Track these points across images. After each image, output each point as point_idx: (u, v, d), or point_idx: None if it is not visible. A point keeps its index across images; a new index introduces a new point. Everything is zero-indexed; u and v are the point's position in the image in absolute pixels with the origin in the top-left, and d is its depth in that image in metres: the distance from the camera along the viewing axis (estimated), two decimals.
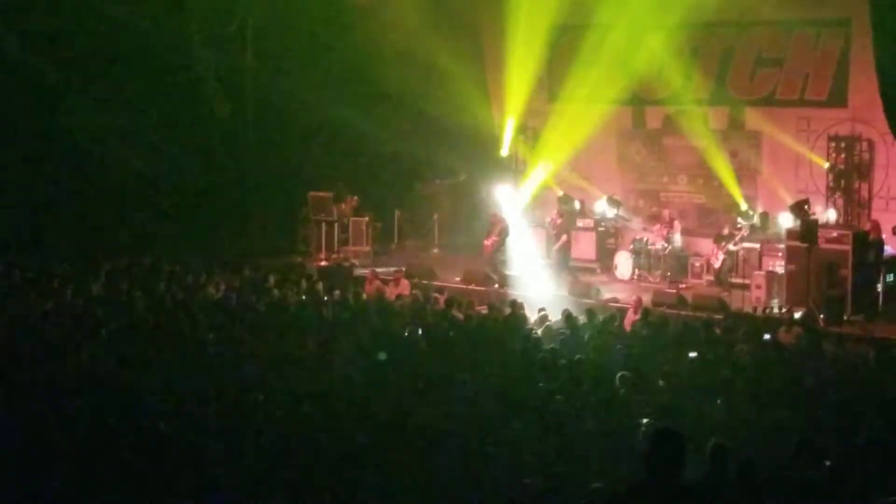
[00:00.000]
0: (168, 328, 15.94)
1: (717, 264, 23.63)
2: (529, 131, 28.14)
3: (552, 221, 25.54)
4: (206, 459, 9.59)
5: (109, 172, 25.99)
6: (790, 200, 22.96)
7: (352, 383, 12.73)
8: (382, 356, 13.26)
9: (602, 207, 26.22)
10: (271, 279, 21.40)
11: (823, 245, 20.79)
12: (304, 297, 19.73)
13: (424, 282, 23.36)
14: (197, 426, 10.63)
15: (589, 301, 21.87)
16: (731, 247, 23.44)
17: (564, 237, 25.18)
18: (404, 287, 22.08)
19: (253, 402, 11.71)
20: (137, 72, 26.10)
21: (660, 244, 24.72)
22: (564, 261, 25.02)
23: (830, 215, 23.18)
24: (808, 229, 20.76)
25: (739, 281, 22.88)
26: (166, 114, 26.42)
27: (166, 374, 12.78)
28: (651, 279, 24.53)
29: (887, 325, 20.18)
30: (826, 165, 23.88)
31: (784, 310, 20.69)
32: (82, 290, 18.82)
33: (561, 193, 26.98)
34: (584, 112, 26.41)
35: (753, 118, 25.19)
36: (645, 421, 10.89)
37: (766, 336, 17.25)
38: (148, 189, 26.38)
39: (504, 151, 28.12)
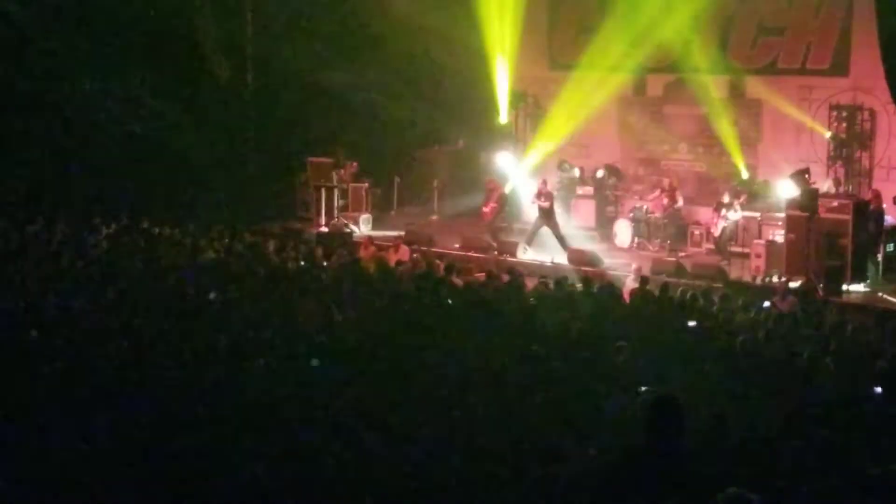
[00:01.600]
0: (168, 292, 15.92)
1: (716, 233, 23.59)
2: (530, 98, 28.10)
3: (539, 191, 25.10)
4: (207, 423, 9.60)
5: (108, 137, 25.94)
6: (791, 169, 22.92)
7: (349, 347, 12.73)
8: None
9: (602, 175, 26.18)
10: (271, 244, 21.38)
11: (824, 214, 20.76)
12: (302, 263, 19.71)
13: (423, 248, 23.35)
14: (198, 391, 10.63)
15: (588, 269, 21.85)
16: (730, 215, 23.38)
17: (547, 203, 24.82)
18: (404, 253, 22.07)
19: (253, 366, 11.72)
20: (136, 36, 26.01)
21: (659, 212, 24.69)
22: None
23: (827, 184, 23.15)
24: (808, 198, 20.73)
25: (739, 250, 22.88)
26: (165, 78, 26.34)
27: (166, 340, 12.76)
28: (650, 247, 24.51)
29: (887, 294, 20.19)
30: (828, 135, 23.82)
31: (783, 279, 20.67)
32: (81, 253, 18.78)
33: (561, 161, 26.97)
34: (585, 80, 26.33)
35: (754, 87, 25.11)
36: (643, 389, 10.89)
37: (766, 303, 17.25)
38: (147, 153, 26.31)
39: (503, 119, 28.08)
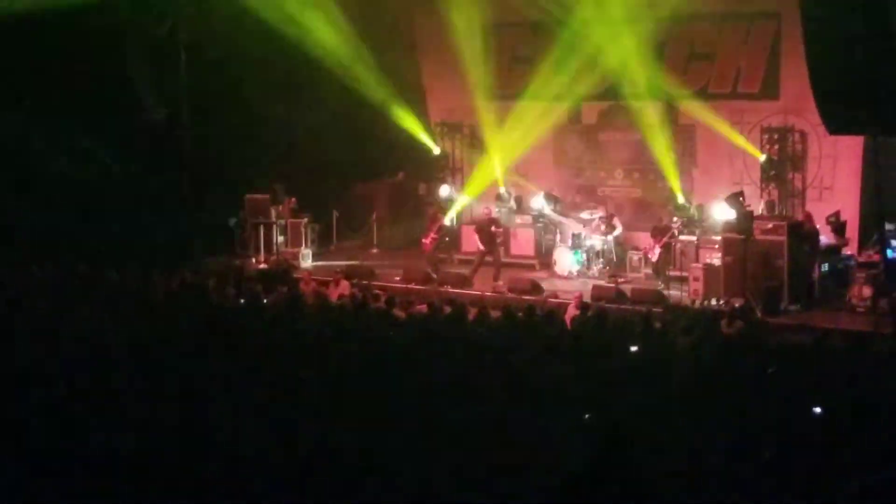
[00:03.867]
0: (109, 336, 15.74)
1: (654, 258, 23.78)
2: (466, 129, 28.28)
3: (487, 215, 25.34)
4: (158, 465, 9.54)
5: (39, 178, 25.71)
6: (725, 193, 23.18)
7: (292, 382, 12.66)
8: None
9: (540, 203, 26.32)
10: (210, 282, 21.25)
11: (759, 236, 21.05)
12: (242, 301, 19.61)
13: (364, 282, 23.35)
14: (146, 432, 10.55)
15: (529, 297, 21.94)
16: (668, 240, 23.58)
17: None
18: (344, 288, 22.03)
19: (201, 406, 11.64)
20: (68, 76, 25.80)
21: (598, 239, 24.86)
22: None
23: (762, 206, 23.44)
24: (743, 221, 20.99)
25: (677, 274, 23.08)
26: (98, 118, 26.13)
27: (112, 383, 12.63)
28: (590, 274, 24.64)
29: (823, 314, 20.46)
30: (762, 157, 24.12)
31: (722, 301, 20.88)
32: (12, 300, 18.50)
33: (502, 190, 27.12)
34: (521, 109, 26.56)
35: (688, 112, 25.40)
36: (587, 416, 10.93)
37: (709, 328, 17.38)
38: (80, 195, 26.06)
39: (436, 150, 28.28)
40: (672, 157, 25.07)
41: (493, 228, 24.77)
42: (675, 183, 24.97)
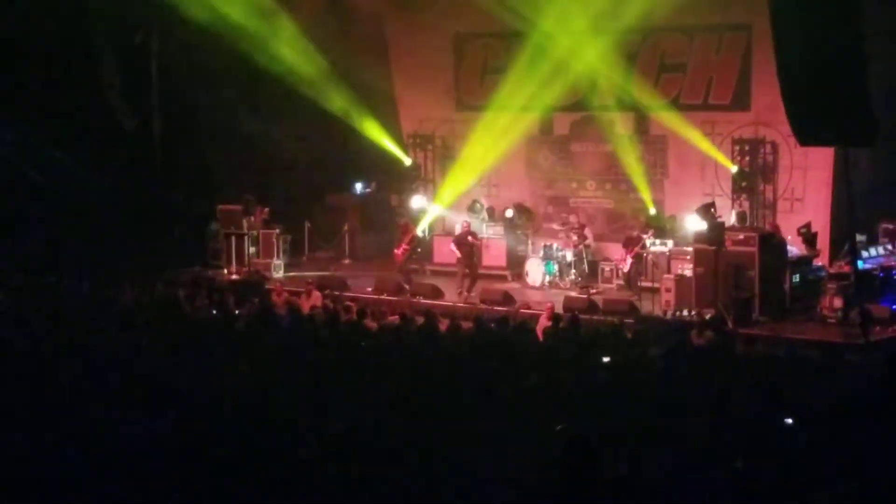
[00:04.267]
0: (75, 348, 15.63)
1: (626, 268, 23.81)
2: (438, 140, 28.27)
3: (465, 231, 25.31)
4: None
5: (9, 187, 25.57)
6: (697, 204, 23.23)
7: (262, 393, 12.60)
8: None
9: (511, 214, 26.32)
10: (181, 293, 21.16)
11: (730, 247, 21.08)
12: (214, 312, 19.52)
13: (336, 293, 23.29)
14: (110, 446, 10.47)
15: (501, 308, 21.93)
16: (639, 251, 23.62)
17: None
18: (316, 299, 21.98)
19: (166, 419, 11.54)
20: (40, 84, 25.69)
21: (569, 250, 24.87)
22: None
23: (731, 217, 23.50)
24: (715, 232, 21.03)
25: (649, 285, 23.10)
26: (70, 127, 26.02)
27: (74, 398, 12.53)
28: (562, 285, 24.65)
29: (794, 325, 20.52)
30: (734, 169, 24.19)
31: (693, 312, 20.91)
32: None
33: (473, 201, 27.10)
34: (492, 120, 26.55)
35: (659, 123, 25.46)
36: (558, 427, 10.91)
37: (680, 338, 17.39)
38: (50, 204, 25.94)
39: (407, 161, 28.24)
40: (643, 168, 25.15)
41: (470, 239, 24.74)
42: (646, 194, 25.05)
